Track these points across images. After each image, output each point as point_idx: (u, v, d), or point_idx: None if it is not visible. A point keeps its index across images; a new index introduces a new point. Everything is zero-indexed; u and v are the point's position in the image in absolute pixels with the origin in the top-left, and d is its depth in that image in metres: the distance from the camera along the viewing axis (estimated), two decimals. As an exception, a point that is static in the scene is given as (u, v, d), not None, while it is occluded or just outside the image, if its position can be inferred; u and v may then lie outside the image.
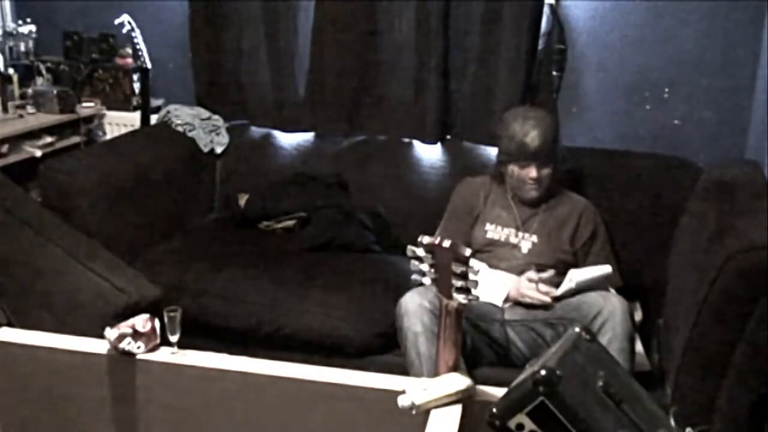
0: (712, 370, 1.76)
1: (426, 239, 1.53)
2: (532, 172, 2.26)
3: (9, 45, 3.54)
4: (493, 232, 2.34)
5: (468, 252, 1.48)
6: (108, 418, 1.75)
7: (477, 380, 1.60)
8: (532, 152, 2.23)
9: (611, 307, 1.96)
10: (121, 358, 1.71)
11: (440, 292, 1.56)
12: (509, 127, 2.28)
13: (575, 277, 2.10)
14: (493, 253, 2.31)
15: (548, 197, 2.35)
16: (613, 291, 2.14)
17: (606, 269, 2.11)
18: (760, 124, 2.65)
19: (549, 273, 2.19)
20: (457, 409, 1.51)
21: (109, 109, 3.49)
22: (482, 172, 2.55)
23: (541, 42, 2.83)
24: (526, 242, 2.30)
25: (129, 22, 3.04)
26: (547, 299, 2.10)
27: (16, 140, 3.15)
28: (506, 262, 2.28)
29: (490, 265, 2.27)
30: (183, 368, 1.71)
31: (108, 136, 3.45)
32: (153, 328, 1.74)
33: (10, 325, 1.90)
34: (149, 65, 3.13)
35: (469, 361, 1.99)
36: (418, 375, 1.89)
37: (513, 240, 2.31)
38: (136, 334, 1.71)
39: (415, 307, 2.00)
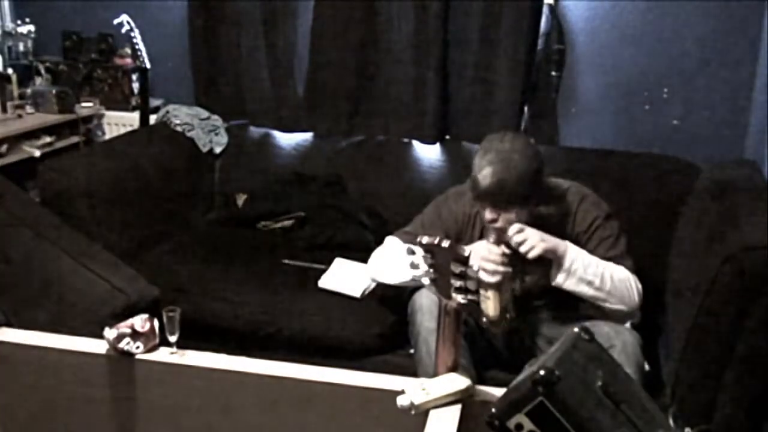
0: (711, 370, 1.76)
1: (425, 239, 1.54)
2: (487, 213, 1.94)
3: (8, 45, 3.53)
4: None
5: (467, 252, 1.48)
6: (107, 418, 1.75)
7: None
8: (482, 192, 1.90)
9: (622, 340, 1.88)
10: (119, 358, 1.71)
11: (439, 292, 1.56)
12: (475, 156, 1.97)
13: None
14: None
15: (547, 229, 1.96)
16: (627, 325, 2.04)
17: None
18: (759, 124, 2.65)
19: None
20: (456, 409, 1.51)
21: (108, 109, 3.48)
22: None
23: (540, 42, 2.84)
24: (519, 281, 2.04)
25: (128, 22, 3.04)
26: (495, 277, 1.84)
27: (15, 140, 3.14)
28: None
29: None
30: (182, 368, 1.71)
31: (107, 136, 3.45)
32: (152, 328, 1.74)
33: (9, 325, 1.90)
34: (148, 65, 3.12)
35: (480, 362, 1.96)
36: (427, 372, 1.81)
37: None
38: (135, 334, 1.71)
39: (428, 303, 1.95)
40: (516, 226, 1.90)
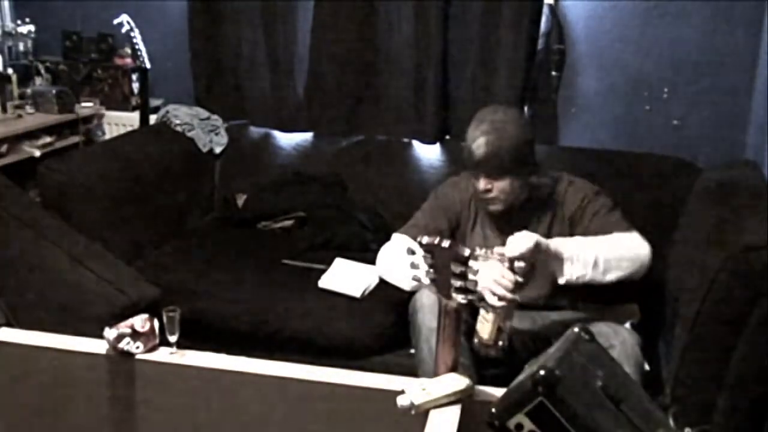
0: (711, 370, 1.76)
1: (425, 239, 1.54)
2: (481, 183, 2.01)
3: (8, 45, 3.53)
4: (484, 256, 2.00)
5: (467, 252, 1.48)
6: (107, 418, 1.75)
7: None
8: (476, 161, 1.97)
9: (621, 340, 1.87)
10: (120, 358, 1.71)
11: (439, 292, 1.56)
12: (468, 128, 2.03)
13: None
14: None
15: (538, 206, 2.06)
16: (627, 325, 2.05)
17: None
18: (759, 124, 2.65)
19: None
20: (456, 410, 1.51)
21: (108, 109, 3.49)
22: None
23: (540, 42, 2.84)
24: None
25: (128, 22, 3.04)
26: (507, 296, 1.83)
27: (14, 140, 3.15)
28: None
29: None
30: (182, 368, 1.71)
31: (107, 136, 3.45)
32: (152, 328, 1.74)
33: (9, 325, 1.90)
34: (148, 65, 3.12)
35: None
36: (429, 372, 1.78)
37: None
38: (135, 334, 1.71)
39: (430, 302, 1.94)
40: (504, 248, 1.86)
